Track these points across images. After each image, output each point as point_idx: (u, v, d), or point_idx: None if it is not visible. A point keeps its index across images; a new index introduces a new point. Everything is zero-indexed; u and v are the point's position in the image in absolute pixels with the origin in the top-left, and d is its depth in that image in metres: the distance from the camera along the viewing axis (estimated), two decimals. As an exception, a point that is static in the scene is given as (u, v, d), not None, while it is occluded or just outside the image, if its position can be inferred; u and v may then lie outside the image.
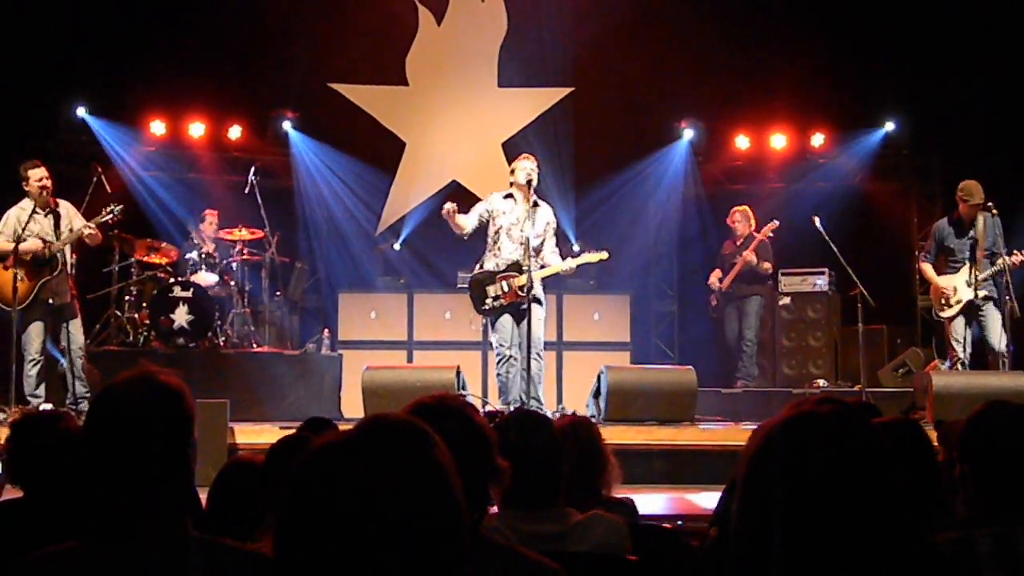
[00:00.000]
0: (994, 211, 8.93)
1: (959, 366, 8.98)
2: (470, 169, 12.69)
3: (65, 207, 8.66)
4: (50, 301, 8.43)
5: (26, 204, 8.47)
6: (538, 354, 8.40)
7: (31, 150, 10.98)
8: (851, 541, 1.59)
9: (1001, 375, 8.61)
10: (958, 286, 8.99)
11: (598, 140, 12.42)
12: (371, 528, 1.31)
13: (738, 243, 10.80)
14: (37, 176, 8.43)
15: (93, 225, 8.53)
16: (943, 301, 9.07)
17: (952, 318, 9.06)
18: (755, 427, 3.49)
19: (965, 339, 9.00)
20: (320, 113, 12.77)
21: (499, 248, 8.42)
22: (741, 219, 10.82)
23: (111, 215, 8.70)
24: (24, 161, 8.66)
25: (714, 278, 10.89)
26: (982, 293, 8.91)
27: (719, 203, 11.86)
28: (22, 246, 8.24)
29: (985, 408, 2.68)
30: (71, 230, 8.53)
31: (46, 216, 8.52)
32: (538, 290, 8.40)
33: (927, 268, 9.34)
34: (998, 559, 2.44)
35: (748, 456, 1.70)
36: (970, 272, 8.90)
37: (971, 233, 9.00)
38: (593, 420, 3.93)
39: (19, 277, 8.20)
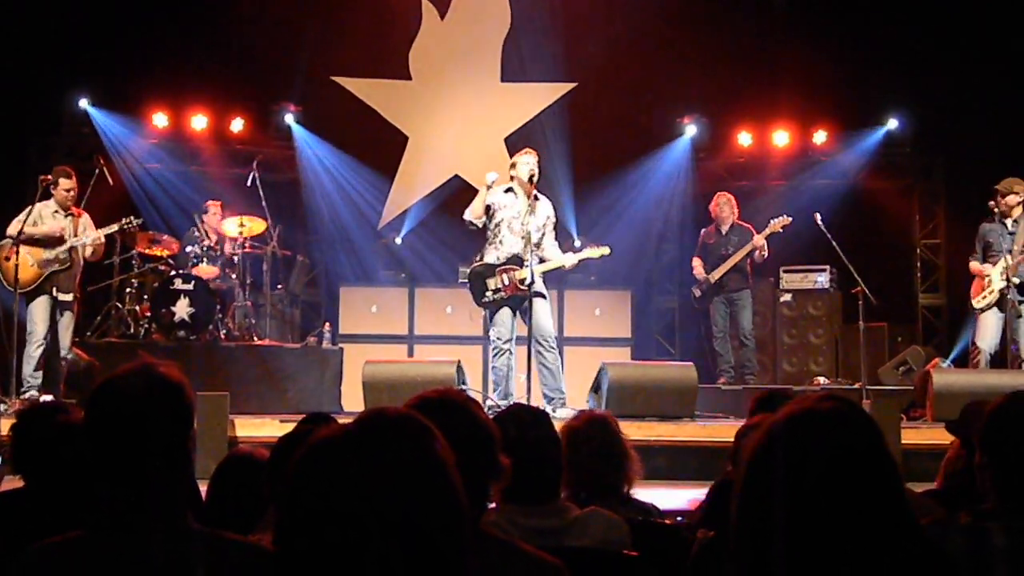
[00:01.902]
0: (1016, 216, 8.98)
1: (981, 361, 8.96)
2: (472, 163, 12.66)
3: (85, 218, 9.05)
4: (54, 293, 8.76)
5: (51, 203, 8.92)
6: (551, 346, 8.40)
7: (35, 142, 11.04)
8: (853, 538, 1.59)
9: (1003, 374, 8.61)
10: (992, 276, 9.00)
11: (601, 135, 12.41)
12: (370, 522, 1.31)
13: (723, 231, 10.64)
14: (66, 186, 8.93)
15: (102, 237, 8.96)
16: (985, 288, 9.06)
17: (984, 310, 9.05)
18: (740, 425, 3.49)
19: (990, 334, 9.00)
20: (323, 107, 12.76)
21: (500, 241, 8.42)
22: (725, 205, 10.64)
23: (129, 225, 9.14)
24: (58, 166, 9.29)
25: (698, 268, 10.65)
26: (1016, 280, 8.90)
27: (721, 199, 11.85)
28: (42, 228, 8.74)
29: (1008, 399, 2.64)
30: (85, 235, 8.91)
31: (66, 217, 8.91)
32: (539, 284, 8.39)
33: (975, 265, 9.31)
34: (1012, 554, 2.42)
35: (749, 454, 1.70)
36: (1005, 263, 8.89)
37: (1012, 228, 9.01)
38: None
39: (30, 263, 8.65)
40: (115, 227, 9.12)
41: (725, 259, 10.44)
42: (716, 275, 10.51)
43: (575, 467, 3.52)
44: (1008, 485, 2.53)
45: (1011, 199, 9.02)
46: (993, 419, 2.61)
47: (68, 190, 8.89)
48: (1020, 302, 8.95)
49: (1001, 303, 8.99)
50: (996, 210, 9.08)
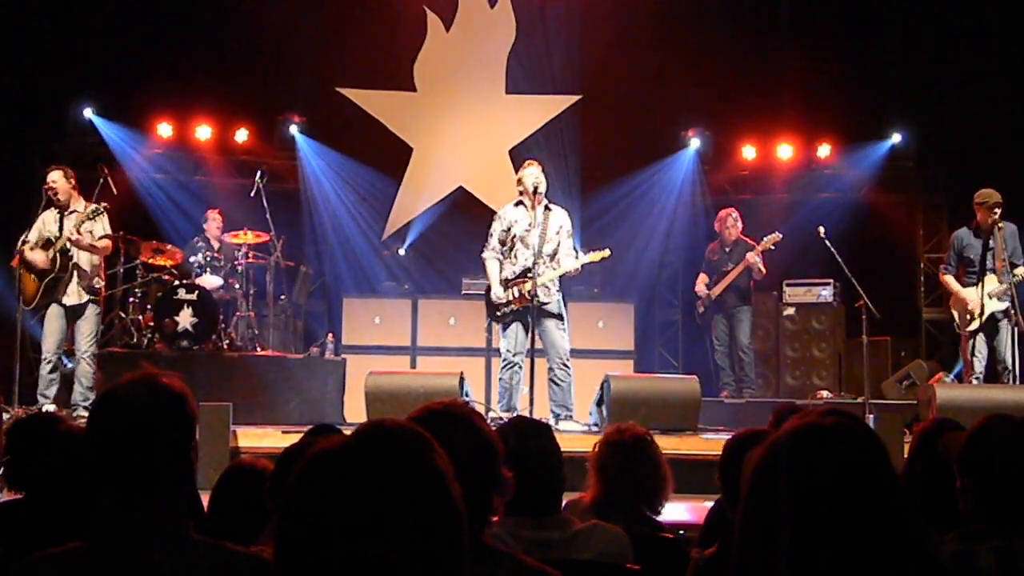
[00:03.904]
0: (1000, 225, 8.87)
1: (974, 380, 8.91)
2: (477, 175, 12.70)
3: (88, 209, 8.70)
4: (60, 301, 8.55)
5: (52, 209, 8.68)
6: (564, 363, 8.43)
7: (40, 151, 11.06)
8: (857, 553, 1.58)
9: (1005, 389, 8.58)
10: (980, 298, 8.93)
11: (605, 148, 12.42)
12: (369, 533, 1.30)
13: (727, 248, 10.69)
14: (49, 180, 8.65)
15: (75, 233, 8.50)
16: (968, 316, 8.99)
17: (974, 332, 8.99)
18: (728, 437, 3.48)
19: (979, 354, 8.94)
20: (327, 117, 12.79)
21: (515, 256, 8.49)
22: (731, 223, 10.69)
23: (95, 213, 8.65)
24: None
25: (700, 284, 10.75)
26: (1003, 305, 8.84)
27: (725, 213, 11.86)
28: (29, 256, 8.48)
29: (987, 421, 2.67)
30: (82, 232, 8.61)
31: (63, 217, 8.64)
32: (553, 303, 8.44)
33: (950, 280, 9.21)
34: (999, 574, 2.43)
35: (752, 470, 1.69)
36: (982, 287, 8.83)
37: (991, 243, 8.92)
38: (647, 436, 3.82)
39: (32, 276, 8.50)
40: (82, 218, 8.54)
41: (726, 275, 10.50)
42: (716, 291, 10.57)
43: (612, 480, 3.51)
44: (993, 505, 2.55)
45: (998, 210, 8.91)
46: (973, 442, 2.63)
47: (48, 183, 8.57)
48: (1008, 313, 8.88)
49: (990, 323, 8.93)
50: (990, 221, 8.93)
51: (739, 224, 10.69)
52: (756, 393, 10.74)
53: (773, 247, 10.37)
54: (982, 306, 8.81)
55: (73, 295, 8.58)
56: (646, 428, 7.93)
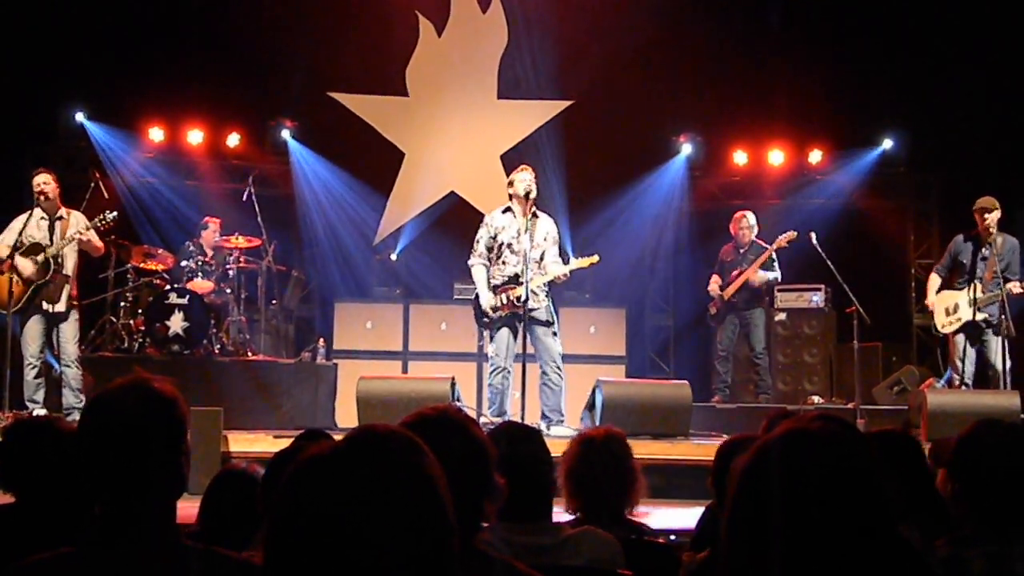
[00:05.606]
0: (995, 235, 8.91)
1: (962, 385, 8.94)
2: (468, 180, 12.70)
3: (75, 217, 8.69)
4: (44, 306, 8.49)
5: (35, 211, 8.56)
6: (557, 367, 8.44)
7: (30, 155, 11.03)
8: (847, 558, 1.59)
9: (995, 394, 8.61)
10: (960, 303, 8.97)
11: (596, 153, 12.42)
12: (359, 539, 1.30)
13: (741, 251, 10.63)
14: (35, 183, 8.57)
15: (84, 231, 8.52)
16: (941, 315, 9.07)
17: (954, 334, 9.03)
18: (720, 443, 3.49)
19: (967, 357, 8.96)
20: (319, 122, 12.77)
21: (503, 262, 8.49)
22: (746, 225, 10.60)
23: (102, 222, 8.65)
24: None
25: (714, 285, 10.62)
26: (981, 316, 8.86)
27: (716, 218, 11.86)
28: (18, 262, 8.39)
29: (976, 427, 2.68)
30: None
31: (52, 222, 8.58)
32: (542, 310, 8.43)
33: (931, 281, 9.31)
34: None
35: (739, 474, 1.69)
36: (973, 291, 8.86)
37: (985, 252, 8.95)
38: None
39: (14, 280, 8.40)
40: (92, 224, 8.57)
41: (739, 277, 10.45)
42: (728, 292, 10.50)
43: (584, 479, 3.50)
44: (983, 510, 2.56)
45: (996, 215, 8.95)
46: (963, 447, 2.64)
47: (38, 186, 8.50)
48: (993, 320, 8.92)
49: (970, 331, 8.96)
50: (990, 230, 9.00)
51: (754, 226, 10.64)
52: (770, 398, 10.70)
53: (787, 244, 10.29)
54: (974, 312, 8.84)
55: (62, 303, 8.52)
56: (637, 433, 7.97)
